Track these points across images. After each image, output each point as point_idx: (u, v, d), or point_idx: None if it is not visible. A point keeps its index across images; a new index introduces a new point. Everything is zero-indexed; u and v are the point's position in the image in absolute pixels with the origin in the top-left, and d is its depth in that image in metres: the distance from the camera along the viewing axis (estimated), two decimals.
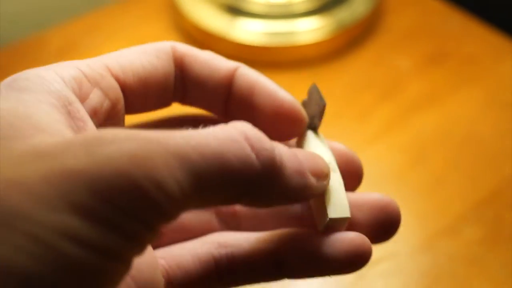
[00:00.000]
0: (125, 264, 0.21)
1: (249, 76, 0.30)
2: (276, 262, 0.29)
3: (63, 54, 0.67)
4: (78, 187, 0.19)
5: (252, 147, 0.23)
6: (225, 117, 0.31)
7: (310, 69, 0.65)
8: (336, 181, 0.29)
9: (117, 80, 0.28)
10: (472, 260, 0.50)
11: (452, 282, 0.49)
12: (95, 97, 0.27)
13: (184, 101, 0.31)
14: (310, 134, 0.31)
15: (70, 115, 0.24)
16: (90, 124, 0.25)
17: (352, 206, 0.29)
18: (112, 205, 0.20)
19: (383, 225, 0.30)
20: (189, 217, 0.31)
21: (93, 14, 0.73)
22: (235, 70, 0.30)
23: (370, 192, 0.31)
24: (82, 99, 0.26)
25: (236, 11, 0.68)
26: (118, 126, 0.29)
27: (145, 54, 0.29)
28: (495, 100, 0.62)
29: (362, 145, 0.59)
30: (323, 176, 0.27)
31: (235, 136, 0.23)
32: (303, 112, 0.31)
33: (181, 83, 0.30)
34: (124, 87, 0.28)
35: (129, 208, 0.20)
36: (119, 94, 0.28)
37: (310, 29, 0.67)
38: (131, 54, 0.29)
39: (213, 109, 0.32)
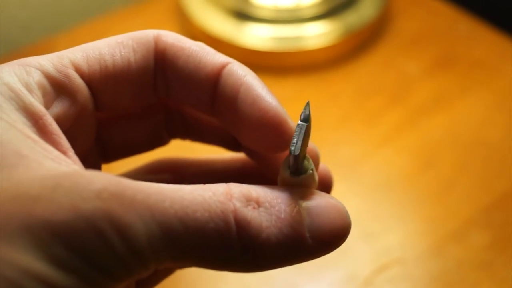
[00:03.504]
0: None
1: (236, 75, 0.27)
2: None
3: None
4: (56, 240, 0.20)
5: (239, 232, 0.22)
6: (212, 116, 0.29)
7: (318, 74, 0.65)
8: None
9: (82, 76, 0.26)
10: (481, 264, 0.50)
11: (461, 287, 0.49)
12: (60, 104, 0.26)
13: (168, 98, 0.29)
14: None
15: (42, 131, 0.24)
16: (62, 136, 0.25)
17: None
18: (86, 258, 0.20)
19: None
20: None
21: (102, 19, 0.73)
22: (224, 67, 0.27)
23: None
24: (46, 107, 0.25)
25: (244, 16, 0.68)
26: (88, 127, 0.28)
27: (121, 46, 0.27)
28: (503, 104, 0.62)
29: (371, 149, 0.59)
30: (334, 240, 0.25)
31: (226, 215, 0.22)
32: (289, 123, 0.26)
33: (163, 78, 0.28)
34: (91, 84, 0.27)
35: (100, 263, 0.21)
36: (86, 95, 0.27)
37: (318, 34, 0.67)
38: (105, 47, 0.27)
39: (199, 108, 0.29)
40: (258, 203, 0.23)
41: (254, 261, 0.23)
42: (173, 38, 0.28)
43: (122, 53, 0.27)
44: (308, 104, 0.26)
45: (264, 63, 0.66)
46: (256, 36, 0.67)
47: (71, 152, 0.24)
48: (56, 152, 0.23)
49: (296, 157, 0.25)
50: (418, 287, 0.49)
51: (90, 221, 0.21)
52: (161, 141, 0.32)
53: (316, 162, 0.29)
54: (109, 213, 0.21)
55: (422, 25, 0.71)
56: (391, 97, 0.63)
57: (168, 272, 0.31)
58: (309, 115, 0.25)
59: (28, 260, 0.20)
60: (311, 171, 0.26)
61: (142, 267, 0.22)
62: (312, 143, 0.28)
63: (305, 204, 0.24)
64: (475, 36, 0.69)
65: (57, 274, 0.20)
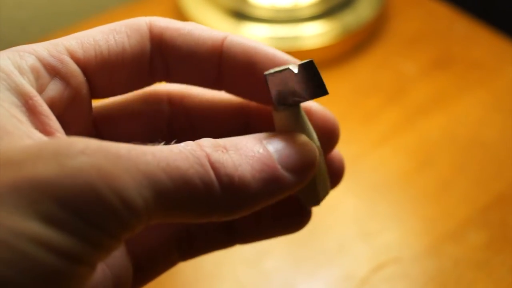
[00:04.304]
0: (91, 267, 0.22)
1: (243, 43, 0.29)
2: (227, 229, 0.30)
3: None
4: (47, 197, 0.20)
5: (215, 172, 0.24)
6: (218, 88, 0.30)
7: None
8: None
9: (78, 63, 0.27)
10: (478, 264, 0.50)
11: (457, 287, 0.49)
12: (54, 87, 0.26)
13: (169, 78, 0.30)
14: (292, 112, 0.28)
15: (32, 111, 0.24)
16: (53, 118, 0.25)
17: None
18: (78, 214, 0.20)
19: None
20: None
21: (98, 18, 0.73)
22: (224, 39, 0.29)
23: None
24: (39, 90, 0.25)
25: (241, 15, 0.68)
26: (83, 113, 0.28)
27: (114, 32, 0.28)
28: (501, 104, 0.62)
29: (368, 149, 0.59)
30: (306, 168, 0.26)
31: (201, 159, 0.24)
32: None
33: (162, 60, 0.29)
34: (86, 70, 0.27)
35: (94, 219, 0.21)
36: (81, 80, 0.27)
37: (316, 34, 0.67)
38: (98, 34, 0.28)
39: (204, 83, 0.30)
40: (226, 148, 0.25)
41: (235, 199, 0.24)
42: (166, 22, 0.29)
43: (117, 39, 0.28)
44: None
45: None
46: (254, 36, 0.67)
47: (60, 133, 0.25)
48: (39, 134, 0.24)
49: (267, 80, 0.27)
50: (415, 286, 0.49)
51: (80, 176, 0.21)
52: (145, 83, 0.32)
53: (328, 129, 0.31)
54: (97, 167, 0.21)
55: (419, 25, 0.71)
56: (388, 97, 0.63)
57: (167, 265, 0.31)
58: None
59: (20, 220, 0.20)
60: (291, 108, 0.27)
61: (137, 221, 0.22)
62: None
63: (269, 142, 0.26)
64: (472, 36, 0.69)
65: (52, 233, 0.20)
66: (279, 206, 0.29)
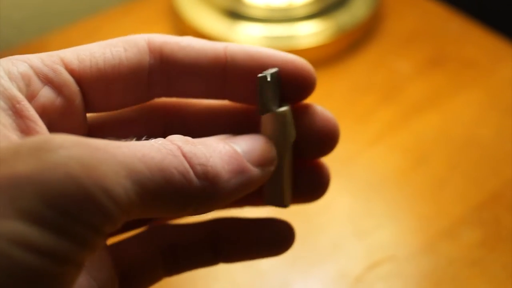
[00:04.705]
0: (77, 267, 0.21)
1: (246, 49, 0.29)
2: (212, 248, 0.31)
3: None
4: (26, 193, 0.20)
5: (189, 162, 0.24)
6: (221, 98, 0.30)
7: None
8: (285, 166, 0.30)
9: (73, 73, 0.27)
10: (473, 262, 0.50)
11: (452, 285, 0.49)
12: (46, 94, 0.26)
13: (169, 93, 0.30)
14: (269, 117, 0.29)
15: (18, 115, 0.24)
16: (40, 123, 0.25)
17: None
18: (61, 210, 0.20)
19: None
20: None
21: (93, 18, 0.73)
22: (225, 48, 0.29)
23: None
24: (30, 96, 0.25)
25: (236, 15, 0.68)
26: (77, 124, 0.28)
27: (111, 46, 0.28)
28: (495, 103, 0.63)
29: (363, 147, 0.59)
30: (268, 163, 0.28)
31: (174, 151, 0.24)
32: (311, 67, 0.30)
33: (162, 75, 0.29)
34: (81, 81, 0.27)
35: (77, 214, 0.20)
36: (74, 90, 0.27)
37: (310, 33, 0.67)
38: (95, 46, 0.28)
39: (208, 93, 0.30)
40: (193, 144, 0.25)
41: (209, 190, 0.25)
42: (164, 37, 0.29)
43: (113, 51, 0.28)
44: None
45: None
46: (249, 35, 0.67)
47: None
48: (18, 138, 0.24)
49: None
50: (410, 284, 0.49)
51: (60, 169, 0.20)
52: (142, 98, 0.32)
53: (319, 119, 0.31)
54: (77, 159, 0.21)
55: (414, 24, 0.71)
56: (383, 96, 0.63)
57: (152, 279, 0.31)
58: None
59: (12, 226, 0.19)
60: (271, 112, 0.29)
61: (120, 213, 0.22)
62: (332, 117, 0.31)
63: (231, 141, 0.27)
64: (467, 35, 0.70)
65: (33, 231, 0.19)
66: (263, 228, 0.30)
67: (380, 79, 0.65)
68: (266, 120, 0.29)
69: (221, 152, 0.26)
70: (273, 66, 0.29)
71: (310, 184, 0.31)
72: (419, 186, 0.56)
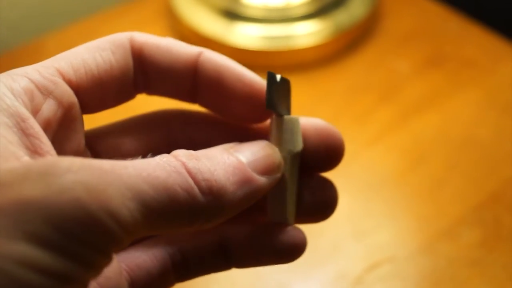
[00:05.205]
0: (82, 286, 0.22)
1: (215, 60, 0.30)
2: (224, 253, 0.31)
3: None
4: (33, 216, 0.20)
5: (193, 178, 0.25)
6: (193, 103, 0.31)
7: (309, 73, 0.65)
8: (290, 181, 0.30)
9: (70, 84, 0.27)
10: (472, 262, 0.50)
11: (452, 285, 0.49)
12: (48, 107, 0.26)
13: (149, 91, 0.31)
14: (276, 121, 0.30)
15: (24, 132, 0.25)
16: (45, 140, 0.25)
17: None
18: (67, 233, 0.20)
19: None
20: None
21: (91, 19, 0.73)
22: (199, 55, 0.30)
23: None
24: (35, 111, 0.26)
25: (233, 15, 0.68)
26: (76, 130, 0.28)
27: (99, 50, 0.28)
28: (494, 103, 0.62)
29: (362, 147, 0.59)
30: (274, 170, 0.28)
31: (178, 168, 0.24)
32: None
33: (142, 74, 0.30)
34: (78, 90, 0.28)
35: (83, 236, 0.21)
36: (73, 99, 0.28)
37: (308, 33, 0.67)
38: (85, 52, 0.28)
39: (180, 96, 0.31)
40: (197, 158, 0.25)
41: (215, 204, 0.25)
42: (146, 37, 0.30)
43: (103, 56, 0.28)
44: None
45: (254, 62, 0.65)
46: (246, 35, 0.67)
47: (51, 155, 0.25)
48: (26, 156, 0.24)
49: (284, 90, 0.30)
50: (409, 285, 0.49)
51: (67, 194, 0.21)
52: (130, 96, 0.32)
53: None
54: (83, 183, 0.21)
55: (412, 23, 0.71)
56: (381, 96, 0.63)
57: (163, 286, 0.31)
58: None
59: (5, 242, 0.19)
60: (278, 116, 0.29)
61: (126, 235, 0.22)
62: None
63: (235, 151, 0.27)
64: (465, 34, 0.69)
65: (40, 253, 0.20)
66: (276, 235, 0.30)
67: (379, 79, 0.65)
68: (274, 124, 0.29)
69: (225, 163, 0.26)
70: (232, 82, 0.30)
71: (316, 202, 0.31)
72: (418, 186, 0.56)
